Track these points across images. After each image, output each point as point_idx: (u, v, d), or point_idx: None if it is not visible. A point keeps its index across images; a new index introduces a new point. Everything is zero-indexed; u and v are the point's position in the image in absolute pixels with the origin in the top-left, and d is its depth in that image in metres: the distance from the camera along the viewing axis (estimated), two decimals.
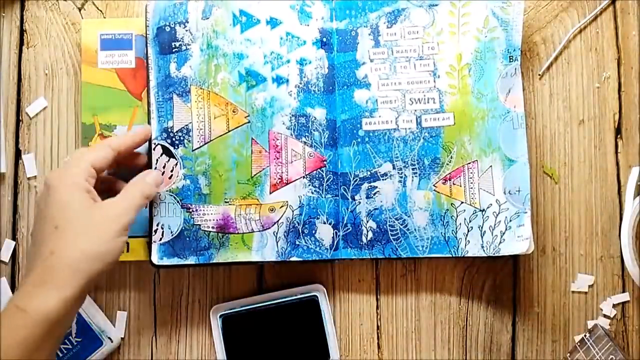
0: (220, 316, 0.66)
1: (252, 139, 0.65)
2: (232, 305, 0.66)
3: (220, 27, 0.65)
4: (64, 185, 0.55)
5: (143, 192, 0.59)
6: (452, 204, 0.65)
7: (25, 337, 0.50)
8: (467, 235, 0.65)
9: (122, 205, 0.57)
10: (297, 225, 0.65)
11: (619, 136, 0.67)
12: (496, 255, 0.64)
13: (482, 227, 0.65)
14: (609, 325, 0.66)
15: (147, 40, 0.65)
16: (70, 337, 0.65)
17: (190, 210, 0.64)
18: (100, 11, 0.69)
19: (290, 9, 0.66)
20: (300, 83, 0.65)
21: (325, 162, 0.65)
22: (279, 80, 0.65)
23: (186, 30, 0.65)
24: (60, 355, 0.65)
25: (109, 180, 0.64)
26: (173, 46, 0.65)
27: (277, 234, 0.65)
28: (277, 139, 0.65)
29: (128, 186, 0.59)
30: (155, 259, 0.64)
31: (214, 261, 0.65)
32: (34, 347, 0.50)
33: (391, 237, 0.65)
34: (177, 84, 0.65)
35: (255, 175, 0.65)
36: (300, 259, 0.65)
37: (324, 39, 0.66)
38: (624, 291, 0.67)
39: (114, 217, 0.55)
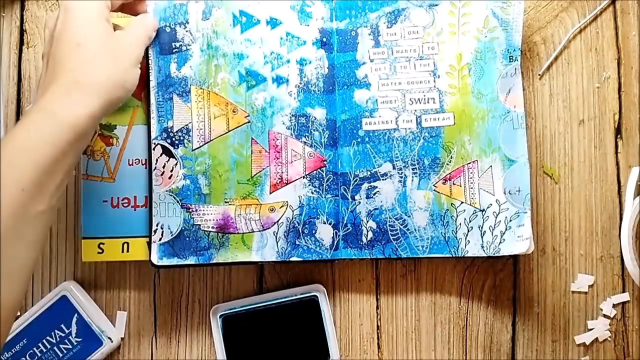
0: (221, 316, 0.66)
1: (252, 138, 0.65)
2: (232, 305, 0.66)
3: (220, 28, 0.65)
4: (87, 9, 0.55)
5: (146, 31, 0.60)
6: (452, 204, 0.65)
7: (53, 138, 0.50)
8: (467, 235, 0.65)
9: (135, 37, 0.58)
10: (297, 225, 0.65)
11: (619, 136, 0.67)
12: (496, 255, 0.64)
13: (482, 227, 0.65)
14: (609, 325, 0.66)
15: None
16: (70, 337, 0.65)
17: (190, 210, 0.64)
18: None
19: (290, 9, 0.66)
20: (300, 83, 0.65)
21: (325, 162, 0.65)
22: (279, 80, 0.65)
23: (186, 31, 0.65)
24: (60, 355, 0.65)
25: None
26: (173, 47, 0.65)
27: (277, 234, 0.65)
28: (277, 139, 0.65)
29: (134, 22, 0.60)
30: (155, 259, 0.64)
31: (214, 261, 0.65)
32: (61, 152, 0.50)
33: (391, 237, 0.65)
34: (177, 84, 0.65)
35: (255, 175, 0.65)
36: (301, 259, 0.65)
37: (324, 39, 0.66)
38: (624, 291, 0.67)
39: (131, 46, 0.57)
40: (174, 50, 0.65)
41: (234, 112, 0.65)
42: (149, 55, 0.65)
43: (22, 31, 0.69)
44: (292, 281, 0.67)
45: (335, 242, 0.65)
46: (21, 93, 0.68)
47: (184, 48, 0.65)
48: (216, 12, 0.65)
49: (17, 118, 0.68)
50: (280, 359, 0.65)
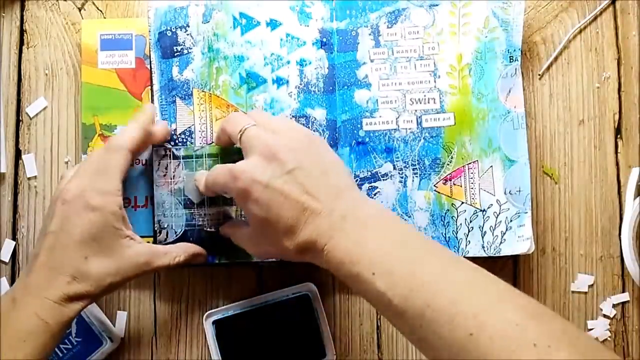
0: (213, 322, 0.65)
1: None
2: (224, 310, 0.65)
3: (220, 30, 0.65)
4: (103, 214, 0.55)
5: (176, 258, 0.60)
6: (452, 204, 0.65)
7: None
8: (467, 235, 0.65)
9: (148, 256, 0.58)
10: None
11: (619, 136, 0.67)
12: (497, 255, 0.64)
13: (482, 228, 0.65)
14: (609, 325, 0.67)
15: (150, 45, 0.65)
16: (70, 337, 0.65)
17: (192, 211, 0.64)
18: (100, 11, 0.69)
19: (290, 10, 0.66)
20: (300, 84, 0.65)
21: None
22: (279, 82, 0.65)
23: (187, 34, 0.65)
24: (60, 355, 0.65)
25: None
26: (175, 50, 0.65)
27: None
28: None
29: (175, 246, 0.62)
30: None
31: (215, 262, 0.65)
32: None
33: None
34: (180, 87, 0.65)
35: None
36: None
37: (324, 39, 0.66)
38: (624, 291, 0.67)
39: (140, 263, 0.57)
40: (175, 54, 0.65)
41: None
42: (152, 59, 0.65)
43: (22, 31, 0.69)
44: (292, 282, 0.67)
45: None
46: (21, 93, 0.68)
47: (185, 51, 0.65)
48: (216, 15, 0.65)
49: (17, 118, 0.68)
50: (276, 359, 0.65)
